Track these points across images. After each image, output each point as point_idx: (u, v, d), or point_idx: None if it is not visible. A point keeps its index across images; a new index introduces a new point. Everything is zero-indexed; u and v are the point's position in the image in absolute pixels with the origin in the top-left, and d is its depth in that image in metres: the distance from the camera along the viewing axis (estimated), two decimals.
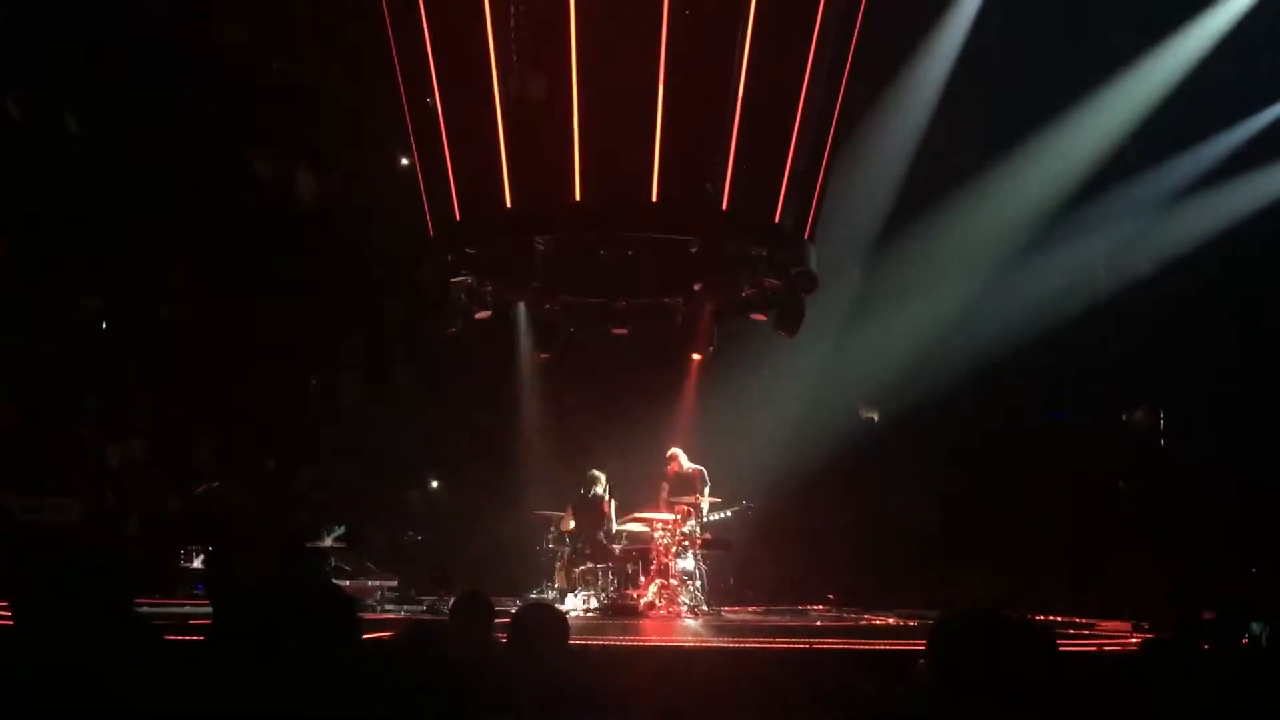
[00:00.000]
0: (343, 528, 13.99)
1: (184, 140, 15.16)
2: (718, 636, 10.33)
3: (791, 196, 11.90)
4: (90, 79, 14.85)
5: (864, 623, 13.46)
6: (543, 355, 14.20)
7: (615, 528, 13.17)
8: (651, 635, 10.93)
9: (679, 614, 12.31)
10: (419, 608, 13.00)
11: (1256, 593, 12.86)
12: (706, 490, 13.32)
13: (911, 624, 12.35)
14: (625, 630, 10.93)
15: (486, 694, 3.89)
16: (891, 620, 13.37)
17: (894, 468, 16.75)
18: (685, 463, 13.63)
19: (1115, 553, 15.20)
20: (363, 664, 2.63)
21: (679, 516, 12.85)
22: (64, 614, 3.23)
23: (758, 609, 14.48)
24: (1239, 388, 15.69)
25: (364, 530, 14.78)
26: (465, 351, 14.92)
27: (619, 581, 12.61)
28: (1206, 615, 7.47)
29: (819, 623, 13.35)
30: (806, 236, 12.18)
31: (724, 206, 11.41)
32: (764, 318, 13.02)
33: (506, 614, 5.32)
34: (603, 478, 13.37)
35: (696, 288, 12.48)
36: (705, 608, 12.63)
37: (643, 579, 12.58)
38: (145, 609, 10.10)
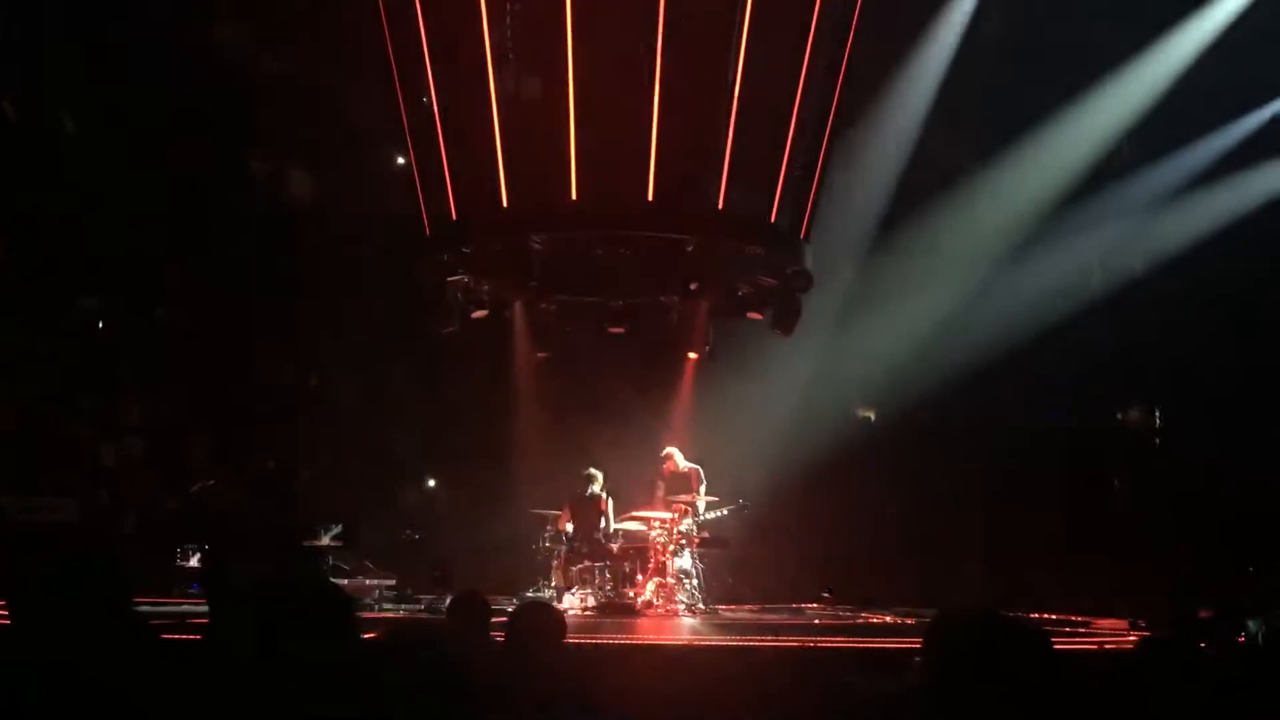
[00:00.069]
0: (340, 526, 13.97)
1: (181, 140, 15.15)
2: (715, 635, 10.34)
3: (787, 196, 11.93)
4: (90, 79, 14.85)
5: (860, 621, 13.47)
6: (539, 354, 14.20)
7: (613, 526, 13.17)
8: (648, 634, 10.94)
9: (676, 612, 12.32)
10: (417, 606, 12.99)
11: (1254, 591, 12.89)
12: (702, 489, 13.33)
13: (908, 622, 12.36)
14: (622, 629, 10.94)
15: (484, 693, 3.89)
16: (888, 618, 13.39)
17: (890, 466, 16.77)
18: (681, 462, 13.63)
19: (1112, 551, 15.22)
20: (360, 663, 2.63)
21: (676, 515, 12.86)
22: (60, 614, 3.23)
23: (754, 607, 14.48)
24: (1235, 387, 15.72)
25: (361, 529, 14.76)
26: (462, 351, 14.92)
27: (616, 580, 12.61)
28: (1203, 614, 7.48)
29: (816, 621, 13.36)
30: (802, 236, 12.20)
31: (720, 206, 11.42)
32: (760, 317, 13.04)
33: (503, 613, 5.33)
34: (600, 476, 13.38)
35: (692, 287, 12.48)
36: (702, 606, 12.63)
37: (640, 577, 12.58)
38: (143, 608, 10.12)
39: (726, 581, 14.24)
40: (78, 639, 3.14)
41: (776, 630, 10.75)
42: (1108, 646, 9.44)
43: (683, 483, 13.46)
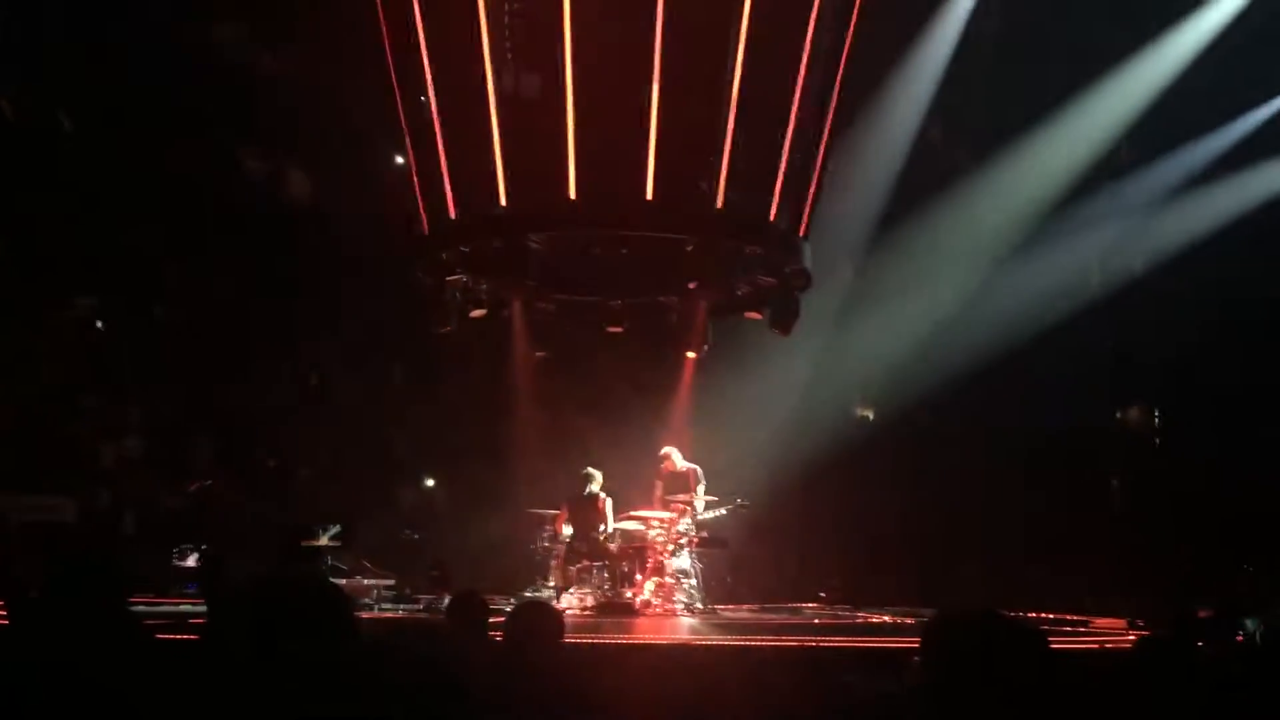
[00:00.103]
0: (338, 526, 13.97)
1: (180, 140, 15.15)
2: (713, 634, 10.34)
3: (786, 194, 11.92)
4: (89, 79, 14.84)
5: (859, 620, 13.47)
6: (538, 354, 14.19)
7: (611, 526, 13.17)
8: (647, 633, 10.94)
9: (674, 612, 12.32)
10: (416, 606, 12.99)
11: (1252, 591, 12.90)
12: (700, 489, 13.32)
13: (907, 621, 12.36)
14: (621, 629, 10.94)
15: (482, 692, 3.89)
16: (887, 618, 13.39)
17: (889, 466, 16.77)
18: (679, 461, 13.62)
19: (1111, 551, 15.23)
20: (358, 663, 2.63)
21: (675, 515, 12.86)
22: (59, 613, 3.23)
23: (753, 607, 14.48)
24: (1234, 387, 15.72)
25: (359, 529, 14.76)
26: (460, 350, 14.92)
27: (614, 580, 12.60)
28: (1202, 613, 7.49)
29: (815, 620, 13.36)
30: (801, 234, 12.20)
31: (719, 205, 11.42)
32: (759, 316, 13.04)
33: (502, 612, 5.33)
34: (598, 476, 13.37)
35: (691, 286, 12.48)
36: (700, 606, 12.63)
37: (638, 577, 12.58)
38: (140, 608, 10.11)
39: (725, 581, 14.24)
40: (76, 638, 3.14)
41: (775, 630, 10.76)
42: (1107, 646, 9.44)
43: (681, 482, 13.45)
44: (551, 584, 13.01)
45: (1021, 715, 2.65)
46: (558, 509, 13.41)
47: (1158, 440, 17.50)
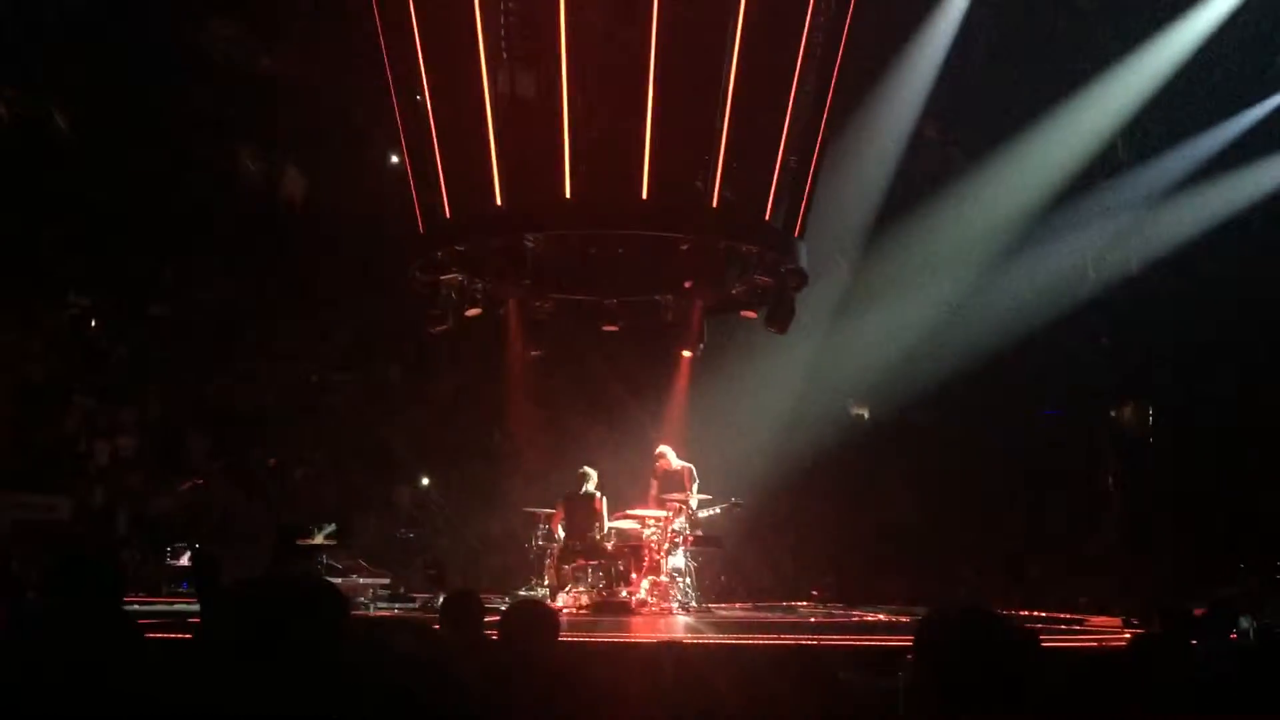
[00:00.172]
0: (333, 525, 13.96)
1: (180, 140, 15.15)
2: (708, 633, 10.35)
3: (781, 194, 11.92)
4: (86, 78, 14.82)
5: (853, 619, 13.48)
6: (533, 353, 14.19)
7: (607, 525, 13.16)
8: (642, 632, 10.93)
9: (670, 611, 12.32)
10: (411, 605, 12.99)
11: (1246, 589, 12.91)
12: (694, 488, 13.32)
13: (901, 620, 12.37)
14: (616, 627, 10.94)
15: (477, 691, 3.89)
16: (880, 616, 13.40)
17: (884, 464, 16.79)
18: (674, 461, 13.62)
19: (1105, 548, 15.26)
20: (353, 662, 2.63)
21: (670, 514, 12.86)
22: (54, 612, 3.24)
23: (747, 605, 14.49)
24: (1233, 386, 15.74)
25: (355, 528, 14.75)
26: (455, 349, 14.92)
27: (609, 578, 12.60)
28: (1196, 611, 7.49)
29: (810, 619, 13.37)
30: (796, 234, 12.20)
31: (714, 204, 11.42)
32: (754, 315, 13.04)
33: (497, 611, 5.33)
34: (593, 475, 13.36)
35: (687, 285, 12.48)
36: (695, 604, 12.64)
37: (633, 576, 12.57)
38: (133, 607, 10.11)
39: (719, 580, 14.25)
40: (71, 637, 3.14)
41: (769, 628, 10.76)
42: (1102, 644, 9.45)
43: (676, 481, 13.44)
44: (546, 583, 13.01)
45: (1015, 712, 2.66)
46: (553, 508, 13.39)
47: (1153, 439, 17.51)
